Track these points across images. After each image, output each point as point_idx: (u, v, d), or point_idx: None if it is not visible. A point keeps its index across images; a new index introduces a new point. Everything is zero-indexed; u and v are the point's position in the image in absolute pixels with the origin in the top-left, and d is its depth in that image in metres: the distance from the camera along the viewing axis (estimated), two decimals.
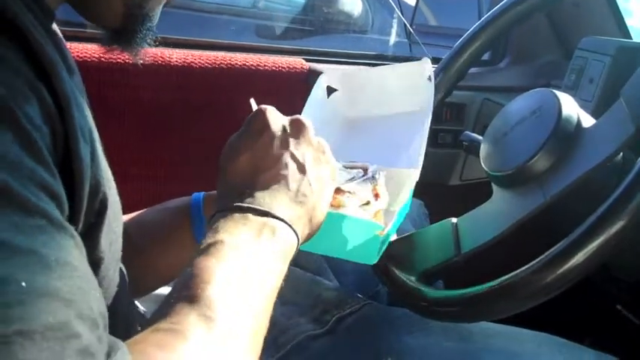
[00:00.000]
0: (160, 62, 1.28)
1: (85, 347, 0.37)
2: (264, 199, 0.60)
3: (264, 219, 0.58)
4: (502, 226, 0.79)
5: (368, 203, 0.74)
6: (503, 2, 1.11)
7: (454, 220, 0.87)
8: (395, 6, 1.83)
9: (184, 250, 0.77)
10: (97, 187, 0.50)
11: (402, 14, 1.88)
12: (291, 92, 1.36)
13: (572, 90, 1.23)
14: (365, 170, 0.78)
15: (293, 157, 0.64)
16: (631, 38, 1.48)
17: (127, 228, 0.77)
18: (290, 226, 0.59)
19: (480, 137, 0.98)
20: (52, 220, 0.39)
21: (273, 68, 1.37)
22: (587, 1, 1.48)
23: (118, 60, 1.24)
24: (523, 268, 0.70)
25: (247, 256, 0.55)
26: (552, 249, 0.69)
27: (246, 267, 0.54)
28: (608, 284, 1.08)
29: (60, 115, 0.44)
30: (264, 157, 0.64)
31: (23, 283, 0.35)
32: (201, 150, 1.35)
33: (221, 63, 1.34)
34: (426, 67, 0.93)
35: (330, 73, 1.01)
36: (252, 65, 1.35)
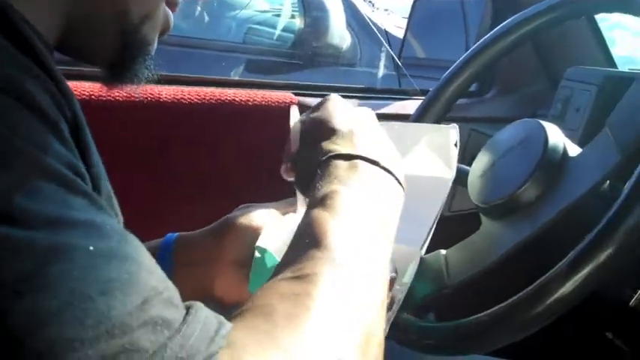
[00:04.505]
0: (149, 99, 1.28)
1: (169, 298, 0.39)
2: (368, 149, 0.60)
3: (373, 168, 0.59)
4: (491, 256, 0.79)
5: None
6: (489, 34, 1.12)
7: (443, 251, 0.87)
8: (383, 39, 1.85)
9: None
10: None
11: (391, 47, 1.90)
12: (281, 126, 1.36)
13: (558, 119, 1.24)
14: None
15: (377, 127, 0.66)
16: (616, 67, 1.50)
17: None
18: (396, 178, 0.60)
19: (469, 168, 0.98)
20: (94, 201, 0.40)
21: (263, 103, 1.38)
22: (573, 31, 1.50)
23: (108, 97, 1.24)
24: (513, 298, 0.70)
25: (363, 202, 0.55)
26: (541, 279, 0.69)
27: (362, 214, 0.54)
28: (597, 310, 1.08)
29: (77, 138, 0.44)
30: (357, 116, 0.65)
31: (91, 248, 0.36)
32: (192, 186, 1.35)
33: (210, 98, 1.34)
34: (453, 134, 0.85)
35: None
36: (241, 100, 1.36)
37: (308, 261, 0.47)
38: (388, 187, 0.59)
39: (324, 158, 0.59)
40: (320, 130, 0.63)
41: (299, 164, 0.65)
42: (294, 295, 0.44)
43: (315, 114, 0.66)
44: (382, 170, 0.59)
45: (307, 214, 0.54)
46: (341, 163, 0.58)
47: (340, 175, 0.56)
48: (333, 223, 0.51)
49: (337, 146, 0.60)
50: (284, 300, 0.44)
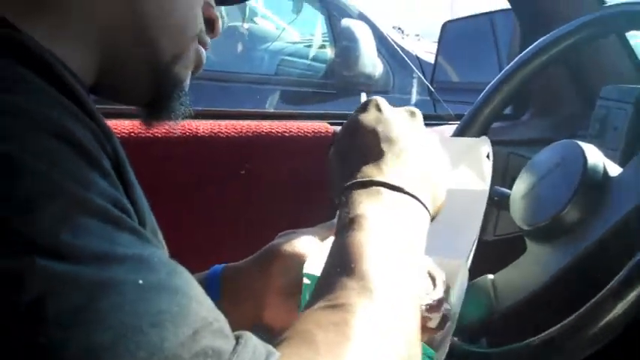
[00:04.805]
0: (187, 134, 1.31)
1: (220, 328, 0.39)
2: (393, 174, 0.59)
3: (397, 194, 0.58)
4: (539, 280, 0.78)
5: None
6: (519, 56, 1.12)
7: (491, 276, 0.87)
8: (414, 66, 1.86)
9: None
10: None
11: (424, 73, 1.90)
12: (318, 156, 1.37)
13: (598, 139, 1.22)
14: (433, 281, 0.71)
15: (418, 138, 0.64)
16: None
17: None
18: (421, 202, 0.59)
19: (509, 191, 0.98)
20: (140, 236, 0.40)
21: (299, 134, 1.39)
22: (606, 49, 1.49)
23: (148, 134, 1.26)
24: (563, 322, 0.69)
25: (389, 227, 0.55)
26: (591, 301, 0.68)
27: (389, 239, 0.54)
28: None
29: (119, 174, 0.45)
30: (392, 132, 0.62)
31: (140, 281, 0.36)
32: (232, 218, 1.37)
33: (247, 131, 1.36)
34: (484, 147, 0.87)
35: None
36: (278, 132, 1.38)
37: (342, 290, 0.48)
38: (413, 212, 0.58)
39: (348, 184, 0.59)
40: (353, 142, 0.63)
41: (331, 172, 0.65)
42: (333, 325, 0.45)
43: (354, 121, 0.65)
44: (406, 196, 0.58)
45: (336, 241, 0.55)
46: (363, 191, 0.58)
47: (363, 201, 0.56)
48: (361, 250, 0.52)
49: (363, 170, 0.59)
50: (324, 329, 0.45)
